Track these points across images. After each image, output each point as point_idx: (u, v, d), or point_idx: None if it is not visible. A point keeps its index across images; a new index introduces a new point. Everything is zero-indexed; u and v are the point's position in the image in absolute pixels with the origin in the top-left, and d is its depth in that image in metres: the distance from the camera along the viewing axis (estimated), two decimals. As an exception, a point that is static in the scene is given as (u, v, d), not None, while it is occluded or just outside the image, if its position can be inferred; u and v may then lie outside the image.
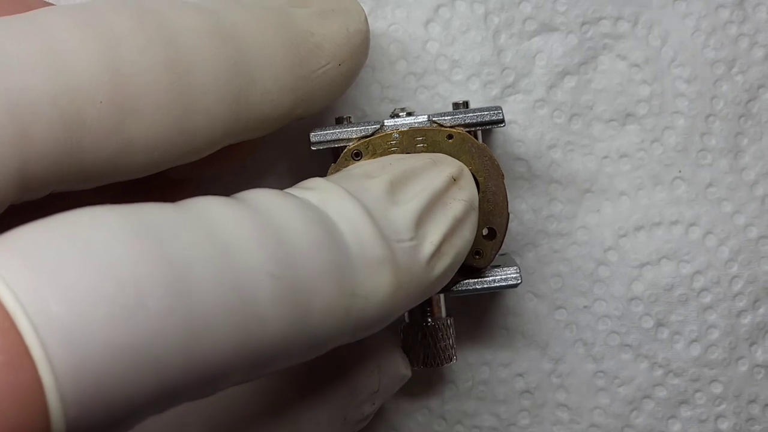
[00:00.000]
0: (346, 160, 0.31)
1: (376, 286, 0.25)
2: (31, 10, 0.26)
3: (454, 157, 0.31)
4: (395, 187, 0.27)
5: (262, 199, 0.24)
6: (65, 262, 0.20)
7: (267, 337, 0.22)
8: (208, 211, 0.23)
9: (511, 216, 0.35)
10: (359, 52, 0.31)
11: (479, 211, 0.31)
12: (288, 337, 0.23)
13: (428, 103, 0.36)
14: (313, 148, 0.31)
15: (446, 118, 0.31)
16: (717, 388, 0.36)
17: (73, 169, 0.25)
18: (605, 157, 0.36)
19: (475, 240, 0.31)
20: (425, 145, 0.31)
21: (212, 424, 0.29)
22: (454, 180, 0.29)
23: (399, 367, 0.34)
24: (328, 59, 0.30)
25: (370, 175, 0.28)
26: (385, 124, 0.31)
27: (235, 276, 0.22)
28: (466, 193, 0.29)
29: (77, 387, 0.19)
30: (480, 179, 0.31)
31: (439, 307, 0.33)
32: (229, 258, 0.22)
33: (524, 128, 0.36)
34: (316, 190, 0.26)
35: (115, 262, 0.20)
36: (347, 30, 0.30)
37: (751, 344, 0.36)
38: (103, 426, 0.20)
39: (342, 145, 0.31)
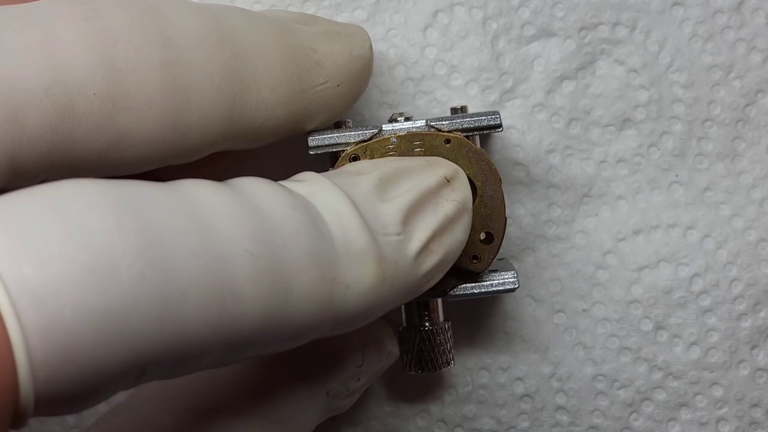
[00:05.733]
0: (343, 164, 0.31)
1: (359, 275, 0.25)
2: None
3: (451, 161, 0.31)
4: (385, 183, 0.27)
5: (247, 183, 0.25)
6: (41, 227, 0.20)
7: (243, 316, 0.22)
8: (190, 188, 0.23)
9: (509, 220, 0.35)
10: (360, 77, 0.31)
11: (477, 215, 0.31)
12: (266, 319, 0.23)
13: (426, 108, 0.36)
14: (311, 153, 0.31)
15: (444, 122, 0.32)
16: (718, 392, 0.36)
17: (64, 159, 0.26)
18: (603, 161, 0.36)
19: (472, 244, 0.31)
20: (423, 149, 0.31)
21: (194, 400, 0.30)
22: (448, 181, 0.29)
23: (384, 343, 0.34)
24: (327, 78, 0.30)
25: (361, 172, 0.28)
26: (383, 128, 0.32)
27: (212, 250, 0.22)
28: (460, 194, 0.29)
29: (46, 347, 0.19)
30: (477, 184, 0.31)
31: (437, 312, 0.34)
32: (207, 232, 0.22)
33: (523, 133, 0.36)
34: (305, 182, 0.26)
35: (89, 228, 0.20)
36: (350, 53, 0.31)
37: (753, 348, 0.36)
38: (73, 394, 0.20)
39: (340, 149, 0.31)
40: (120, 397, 0.30)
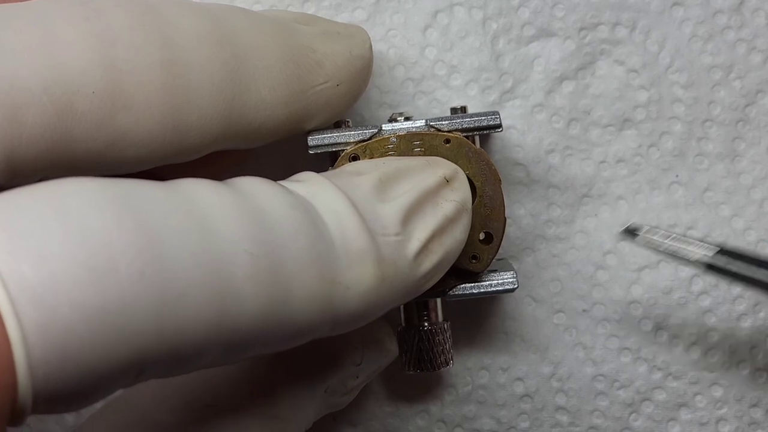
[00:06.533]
0: (343, 163, 0.31)
1: (359, 276, 0.25)
2: None
3: (450, 161, 0.31)
4: (385, 184, 0.27)
5: (247, 183, 0.25)
6: (40, 226, 0.20)
7: (242, 316, 0.23)
8: (189, 187, 0.23)
9: (509, 221, 0.35)
10: (360, 77, 0.31)
11: (476, 215, 0.31)
12: (265, 319, 0.23)
13: (426, 108, 0.36)
14: (310, 152, 0.31)
15: (444, 122, 0.32)
16: (717, 392, 0.36)
17: (63, 157, 0.26)
18: (603, 161, 0.36)
19: (471, 244, 0.31)
20: (423, 149, 0.31)
21: (191, 397, 0.30)
22: (447, 181, 0.29)
23: (383, 342, 0.34)
24: (327, 78, 0.30)
25: (361, 172, 0.28)
26: (383, 128, 0.32)
27: (211, 249, 0.22)
28: (459, 194, 0.29)
29: (45, 345, 0.20)
30: (477, 184, 0.31)
31: (436, 312, 0.34)
32: (206, 231, 0.22)
33: (522, 133, 0.36)
34: (305, 183, 0.26)
35: (88, 227, 0.20)
36: (350, 53, 0.31)
37: (752, 348, 0.36)
38: (71, 392, 0.20)
39: (340, 149, 0.32)
40: (117, 393, 0.30)
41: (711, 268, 0.31)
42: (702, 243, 0.31)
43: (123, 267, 0.20)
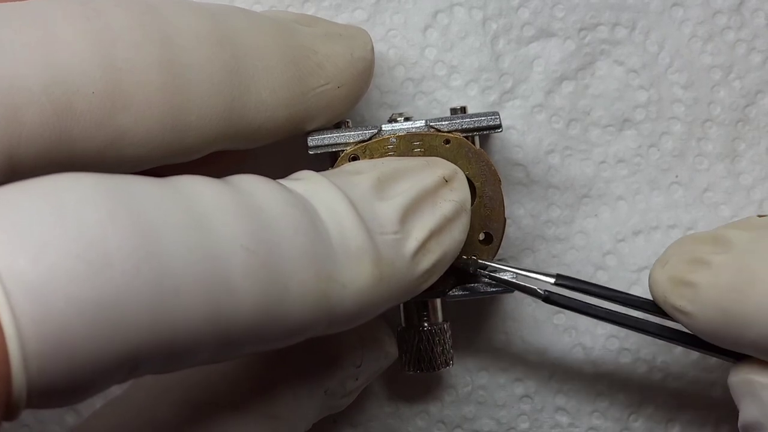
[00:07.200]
0: (343, 164, 0.31)
1: (356, 274, 0.25)
2: None
3: (450, 162, 0.31)
4: (383, 183, 0.28)
5: (245, 180, 0.25)
6: (37, 220, 0.20)
7: (238, 312, 0.23)
8: (186, 184, 0.23)
9: (508, 221, 0.35)
10: (361, 79, 0.31)
11: (476, 216, 0.31)
12: (261, 316, 0.23)
13: (426, 108, 0.36)
14: (310, 152, 0.32)
15: (443, 123, 0.32)
16: (717, 392, 0.36)
17: (62, 156, 0.26)
18: (603, 162, 0.36)
19: (471, 245, 0.31)
20: (422, 149, 0.31)
21: (191, 395, 0.30)
22: (446, 181, 0.29)
23: (383, 343, 0.34)
24: (328, 80, 0.30)
25: (360, 171, 0.28)
26: (383, 128, 0.32)
27: (208, 245, 0.22)
28: (458, 194, 0.29)
29: (40, 339, 0.20)
30: (477, 184, 0.31)
31: (436, 312, 0.34)
32: (203, 228, 0.22)
33: (522, 133, 0.36)
34: (303, 181, 0.26)
35: (84, 221, 0.21)
36: (351, 55, 0.31)
37: (752, 349, 0.36)
38: (66, 386, 0.20)
39: (340, 149, 0.32)
40: (116, 389, 0.30)
41: (548, 300, 0.31)
42: (540, 275, 0.31)
43: (118, 262, 0.21)
